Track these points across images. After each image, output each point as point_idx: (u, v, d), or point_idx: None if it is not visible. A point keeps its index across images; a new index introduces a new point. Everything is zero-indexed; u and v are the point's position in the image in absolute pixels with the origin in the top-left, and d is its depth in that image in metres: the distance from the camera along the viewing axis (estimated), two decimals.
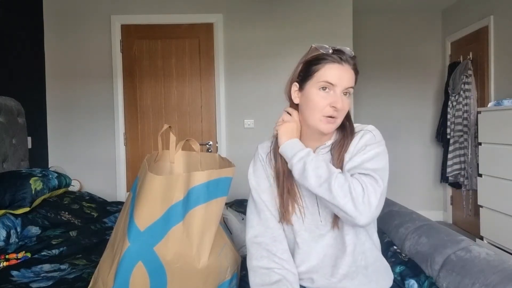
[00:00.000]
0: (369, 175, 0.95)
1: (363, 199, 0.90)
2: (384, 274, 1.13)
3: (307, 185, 0.96)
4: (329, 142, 1.06)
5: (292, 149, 1.01)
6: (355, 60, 1.03)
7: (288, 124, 1.06)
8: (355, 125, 1.08)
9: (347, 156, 1.02)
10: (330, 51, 1.00)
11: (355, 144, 1.02)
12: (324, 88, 0.99)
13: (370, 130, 1.04)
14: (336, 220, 1.04)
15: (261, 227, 1.09)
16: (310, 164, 0.96)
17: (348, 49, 1.01)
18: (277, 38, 3.27)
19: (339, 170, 0.97)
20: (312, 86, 1.01)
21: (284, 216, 1.07)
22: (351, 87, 1.01)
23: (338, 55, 0.99)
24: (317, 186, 0.94)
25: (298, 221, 1.07)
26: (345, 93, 1.00)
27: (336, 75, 0.98)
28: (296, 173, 0.99)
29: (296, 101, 1.07)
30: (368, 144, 1.00)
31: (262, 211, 1.09)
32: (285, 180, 1.07)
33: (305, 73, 1.03)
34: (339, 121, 1.01)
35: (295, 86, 1.07)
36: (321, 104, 0.99)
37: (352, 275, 1.05)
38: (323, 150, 1.06)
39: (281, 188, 1.07)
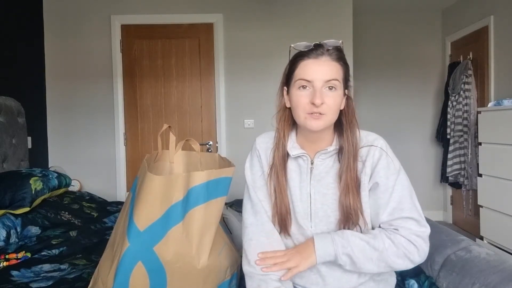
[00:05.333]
0: (413, 219, 0.98)
1: (419, 254, 0.97)
2: (388, 275, 1.12)
3: (366, 272, 0.99)
4: (331, 148, 1.02)
5: (328, 253, 0.97)
6: (338, 51, 0.98)
7: (287, 250, 1.02)
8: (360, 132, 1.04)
9: (364, 178, 1.00)
10: (311, 47, 0.96)
11: (372, 164, 1.00)
12: (303, 87, 0.96)
13: (385, 149, 1.01)
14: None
15: (256, 229, 1.06)
16: (355, 254, 0.95)
17: (332, 41, 0.96)
18: (277, 38, 3.27)
19: (380, 237, 0.97)
20: (293, 86, 0.99)
21: (281, 223, 1.05)
22: (334, 79, 0.95)
23: (314, 50, 0.96)
24: (376, 268, 0.97)
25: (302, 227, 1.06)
26: (330, 87, 0.95)
27: (311, 70, 0.95)
28: (347, 268, 0.98)
29: (287, 104, 1.03)
30: (391, 174, 0.99)
31: (259, 212, 1.07)
32: (277, 181, 1.04)
33: (287, 75, 1.02)
34: (328, 118, 0.96)
35: (285, 90, 1.04)
36: (302, 103, 0.96)
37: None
38: (324, 156, 1.03)
39: (273, 188, 1.05)
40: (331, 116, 0.97)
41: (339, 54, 0.98)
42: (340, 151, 1.02)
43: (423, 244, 0.97)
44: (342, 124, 1.03)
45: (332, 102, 0.95)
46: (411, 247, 0.95)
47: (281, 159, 1.04)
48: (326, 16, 3.31)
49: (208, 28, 3.30)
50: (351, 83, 1.04)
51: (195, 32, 3.31)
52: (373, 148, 1.01)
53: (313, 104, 0.94)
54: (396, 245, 0.95)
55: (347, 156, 1.00)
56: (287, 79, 1.02)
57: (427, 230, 0.99)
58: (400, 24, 4.24)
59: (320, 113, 0.95)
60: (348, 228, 1.00)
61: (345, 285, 1.04)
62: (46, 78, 3.26)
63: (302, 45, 0.97)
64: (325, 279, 1.04)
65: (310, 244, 0.98)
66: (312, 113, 0.95)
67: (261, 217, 1.07)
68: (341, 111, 1.01)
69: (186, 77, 3.32)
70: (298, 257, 0.97)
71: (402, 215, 0.98)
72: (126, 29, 3.29)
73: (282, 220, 1.04)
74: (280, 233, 1.07)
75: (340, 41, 0.98)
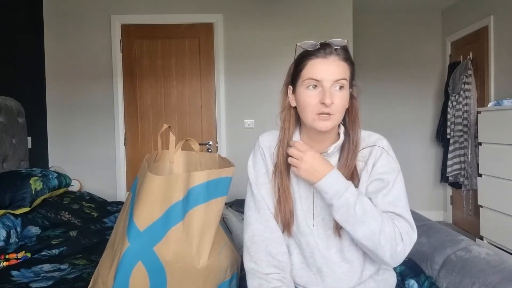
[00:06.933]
0: (406, 220, 0.96)
1: (400, 250, 0.92)
2: (388, 275, 1.12)
3: (351, 233, 0.93)
4: (331, 148, 1.01)
5: (332, 187, 0.92)
6: (345, 50, 0.97)
7: (312, 153, 0.95)
8: (362, 132, 1.04)
9: (364, 175, 1.00)
10: (318, 46, 0.96)
11: (373, 162, 0.99)
12: (314, 86, 0.95)
13: (386, 149, 1.01)
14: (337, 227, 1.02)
15: (260, 225, 1.06)
16: (357, 212, 0.91)
17: (339, 40, 0.96)
18: (277, 38, 3.27)
19: (381, 214, 0.93)
20: (301, 86, 0.98)
21: (285, 222, 1.04)
22: (343, 79, 0.95)
23: (322, 49, 0.95)
24: (363, 238, 0.92)
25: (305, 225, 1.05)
26: (339, 87, 0.95)
27: (320, 70, 0.94)
28: (337, 217, 0.94)
29: (293, 104, 1.03)
30: (391, 171, 0.99)
31: (262, 209, 1.06)
32: (282, 182, 1.04)
33: (293, 74, 1.02)
34: (336, 117, 0.96)
35: (290, 89, 1.04)
36: (311, 103, 0.95)
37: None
38: (325, 156, 1.02)
39: (277, 188, 1.05)
40: (339, 116, 0.97)
41: (346, 54, 0.98)
42: (341, 148, 1.03)
43: (407, 247, 0.94)
44: (346, 123, 1.03)
45: (340, 102, 0.95)
46: (399, 239, 0.93)
47: (285, 157, 1.04)
48: (326, 16, 3.31)
49: (208, 28, 3.30)
50: (356, 82, 1.04)
51: (195, 32, 3.31)
52: (376, 148, 1.01)
53: (322, 103, 0.93)
54: (391, 226, 0.93)
55: (346, 155, 1.01)
56: (293, 78, 1.02)
57: (415, 236, 0.97)
58: (400, 24, 4.24)
59: (329, 114, 0.94)
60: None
61: (345, 286, 1.04)
62: (46, 78, 3.26)
63: (309, 44, 0.97)
64: (325, 280, 1.04)
65: (329, 167, 0.94)
66: (321, 114, 0.95)
67: (264, 213, 1.06)
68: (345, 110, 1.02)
69: (186, 77, 3.32)
70: (309, 164, 0.94)
71: (396, 211, 0.96)
72: (126, 29, 3.29)
73: (286, 219, 1.04)
74: (283, 233, 1.07)
75: (346, 40, 0.98)
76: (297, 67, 1.00)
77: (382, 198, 0.97)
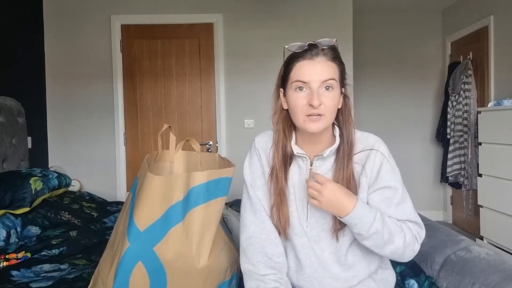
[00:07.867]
0: (417, 223, 1.01)
1: (416, 249, 0.99)
2: (388, 274, 1.12)
3: (378, 253, 0.98)
4: (327, 152, 1.00)
5: (361, 220, 0.92)
6: (333, 50, 0.97)
7: (331, 185, 0.93)
8: (356, 132, 1.03)
9: (363, 180, 1.00)
10: (306, 47, 0.95)
11: (372, 167, 0.99)
12: (300, 88, 0.95)
13: (386, 154, 1.01)
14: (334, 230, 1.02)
15: (256, 227, 1.05)
16: (384, 235, 0.93)
17: (326, 40, 0.95)
18: (277, 38, 3.26)
19: (400, 225, 0.97)
20: (290, 88, 0.98)
21: (281, 222, 1.04)
22: (331, 79, 0.94)
23: (309, 50, 0.95)
24: (390, 255, 0.97)
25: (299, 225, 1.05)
26: (327, 87, 0.94)
27: (306, 71, 0.94)
28: (366, 243, 0.96)
29: (284, 106, 1.03)
30: (396, 176, 1.01)
31: (258, 210, 1.06)
32: (279, 183, 1.04)
33: (283, 77, 1.02)
34: (327, 118, 0.95)
35: (281, 92, 1.03)
36: (300, 104, 0.95)
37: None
38: (321, 161, 1.02)
39: (274, 189, 1.04)
40: (330, 116, 0.97)
41: (334, 54, 0.97)
42: (337, 151, 1.02)
43: (420, 242, 1.00)
44: (339, 123, 1.03)
45: (330, 103, 0.95)
46: (416, 243, 0.98)
47: (281, 160, 1.03)
48: (326, 16, 3.30)
49: (208, 28, 3.30)
50: (348, 81, 1.03)
51: (195, 32, 3.31)
52: (374, 152, 1.01)
53: (310, 105, 0.93)
54: (410, 235, 0.97)
55: (341, 156, 1.00)
56: (283, 81, 1.02)
57: (423, 233, 1.02)
58: (400, 24, 4.24)
59: (319, 114, 0.94)
60: (341, 227, 1.00)
61: (343, 286, 1.03)
62: (46, 78, 3.26)
63: (296, 45, 0.97)
64: (321, 281, 1.04)
65: (352, 200, 0.92)
66: (310, 115, 0.94)
67: (260, 215, 1.06)
68: (338, 109, 1.01)
69: (186, 77, 3.32)
70: (329, 199, 0.92)
71: (410, 218, 1.00)
72: (126, 29, 3.29)
73: (281, 223, 1.04)
74: (279, 235, 1.07)
75: (334, 40, 0.97)
76: (286, 69, 1.00)
77: (396, 208, 0.99)
